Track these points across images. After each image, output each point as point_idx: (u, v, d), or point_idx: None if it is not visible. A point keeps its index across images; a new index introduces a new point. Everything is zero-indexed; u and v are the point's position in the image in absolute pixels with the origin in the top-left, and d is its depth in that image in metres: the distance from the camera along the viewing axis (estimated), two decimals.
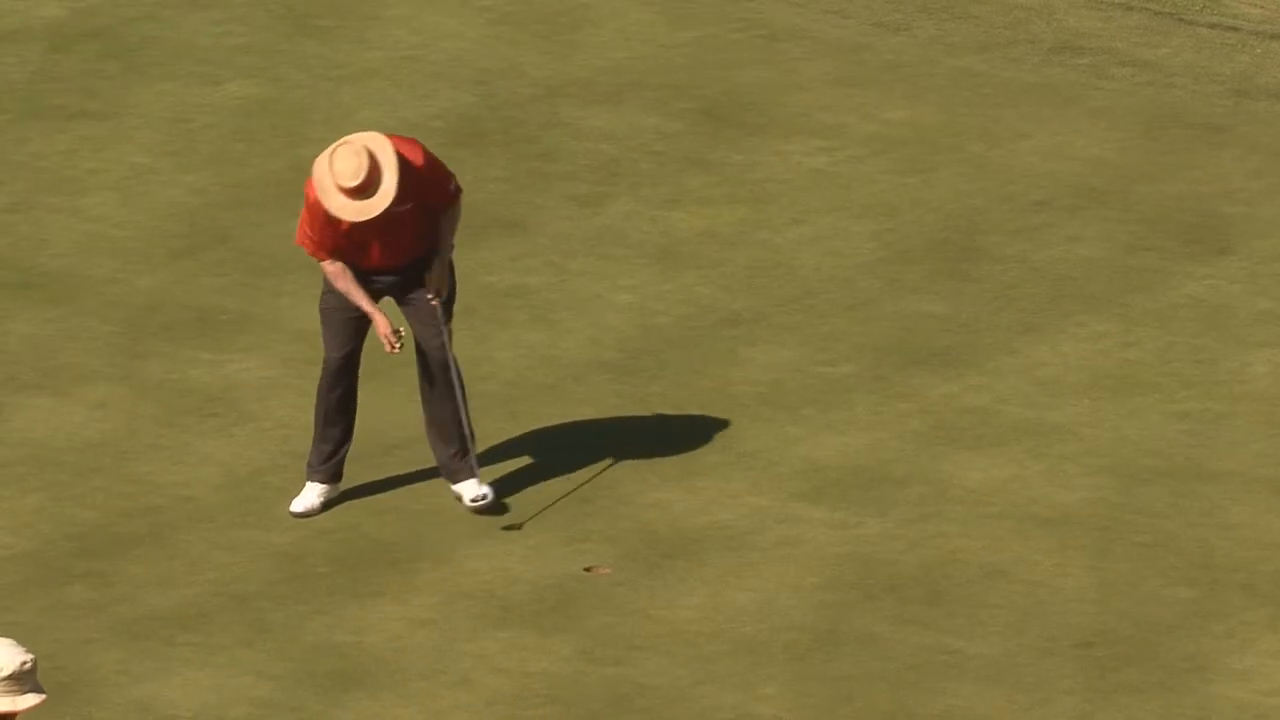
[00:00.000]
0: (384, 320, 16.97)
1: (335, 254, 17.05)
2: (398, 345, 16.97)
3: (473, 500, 17.11)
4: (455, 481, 17.28)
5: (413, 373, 17.65)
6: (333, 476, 17.35)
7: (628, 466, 17.26)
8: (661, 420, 17.78)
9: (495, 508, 17.04)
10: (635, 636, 15.59)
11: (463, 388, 17.21)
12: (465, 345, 18.17)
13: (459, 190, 17.12)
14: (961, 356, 18.29)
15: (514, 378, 18.42)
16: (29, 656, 12.29)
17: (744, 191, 20.38)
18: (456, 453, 17.27)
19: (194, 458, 17.33)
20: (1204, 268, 19.28)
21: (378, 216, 16.73)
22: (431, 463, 17.33)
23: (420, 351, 17.29)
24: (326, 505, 17.26)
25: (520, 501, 17.11)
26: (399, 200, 16.76)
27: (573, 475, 17.16)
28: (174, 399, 17.90)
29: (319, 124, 20.89)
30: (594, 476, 17.13)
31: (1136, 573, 16.29)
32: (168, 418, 17.71)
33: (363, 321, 17.12)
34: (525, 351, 18.70)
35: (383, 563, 16.35)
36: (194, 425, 17.75)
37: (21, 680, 12.29)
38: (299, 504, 17.17)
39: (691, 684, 15.20)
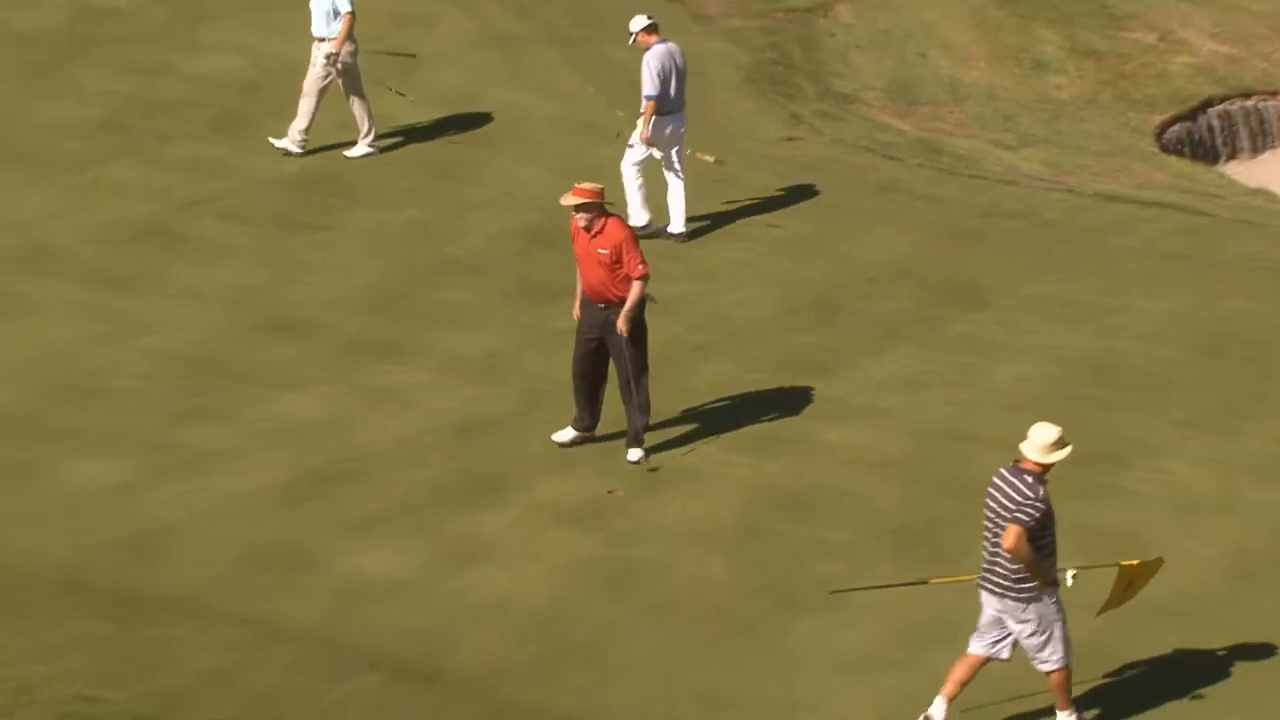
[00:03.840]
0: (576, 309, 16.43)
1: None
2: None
3: (631, 460, 16.65)
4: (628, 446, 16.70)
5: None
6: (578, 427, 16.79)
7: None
8: (658, 401, 17.06)
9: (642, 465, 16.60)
10: (636, 532, 15.66)
11: (636, 389, 16.50)
12: None
13: (644, 274, 16.13)
14: (827, 369, 18.08)
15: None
16: (1059, 430, 12.73)
17: (701, 273, 20.03)
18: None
19: (380, 429, 17.20)
20: (968, 317, 18.94)
21: (586, 249, 16.05)
22: (510, 427, 17.16)
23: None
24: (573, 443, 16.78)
25: (581, 452, 16.85)
26: (595, 235, 15.99)
27: (604, 437, 16.90)
28: (368, 394, 17.74)
29: (456, 233, 20.45)
30: (611, 437, 16.87)
31: (928, 491, 16.26)
32: (365, 404, 17.61)
33: (588, 337, 16.42)
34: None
35: (491, 488, 16.22)
36: (379, 409, 17.58)
37: (1059, 444, 12.72)
38: (560, 436, 16.80)
39: (670, 561, 15.25)
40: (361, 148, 22.05)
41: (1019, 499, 12.58)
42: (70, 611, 14.70)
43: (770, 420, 17.22)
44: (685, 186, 20.37)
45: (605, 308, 16.26)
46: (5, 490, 16.20)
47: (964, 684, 13.07)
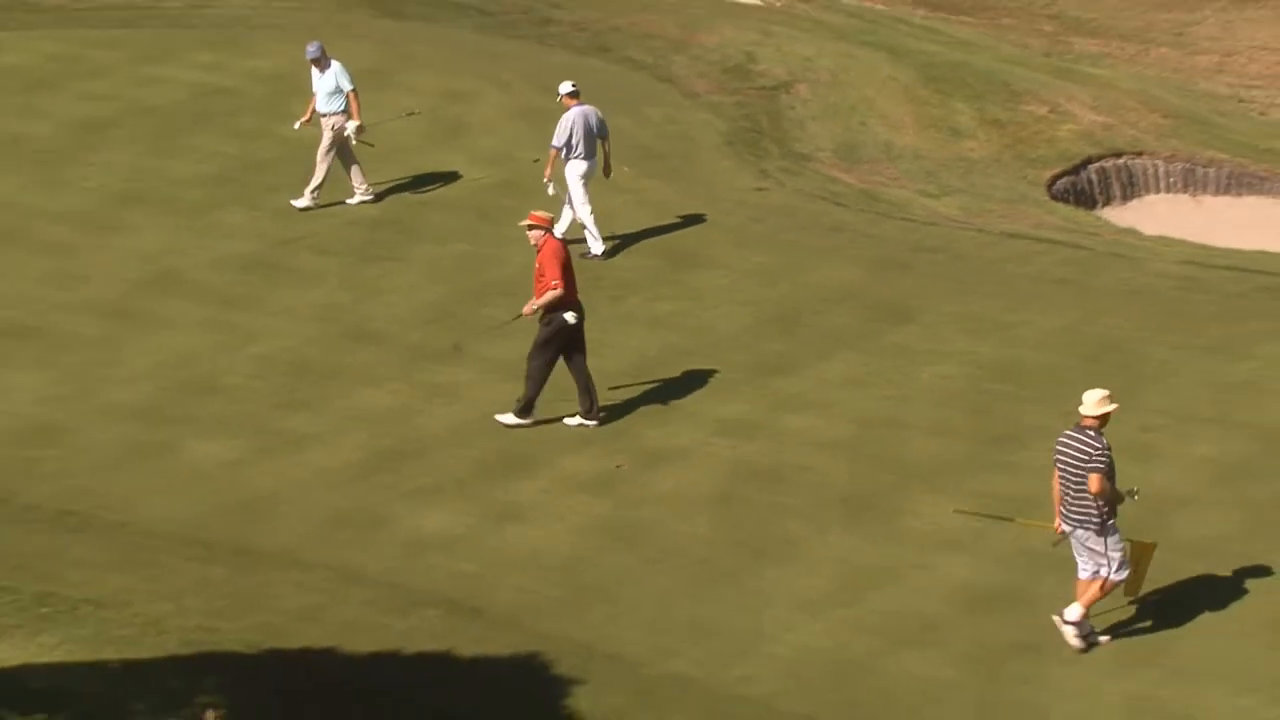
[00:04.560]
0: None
1: None
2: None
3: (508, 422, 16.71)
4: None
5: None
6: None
7: (639, 416, 17.08)
8: (656, 396, 17.41)
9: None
10: (639, 499, 15.64)
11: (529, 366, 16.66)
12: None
13: (556, 287, 16.41)
14: (789, 370, 17.89)
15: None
16: (1105, 391, 12.66)
17: (689, 295, 19.74)
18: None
19: (436, 417, 17.12)
20: (899, 329, 18.75)
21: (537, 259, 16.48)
22: (538, 414, 16.90)
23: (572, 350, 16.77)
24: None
25: (595, 434, 16.82)
26: (537, 251, 16.43)
27: (613, 423, 16.88)
28: (426, 390, 17.59)
29: (494, 263, 20.17)
30: (621, 419, 16.94)
31: (869, 466, 16.11)
32: (424, 398, 17.40)
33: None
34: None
35: (523, 464, 16.18)
36: (436, 401, 17.46)
37: (1108, 400, 12.85)
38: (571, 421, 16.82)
39: (665, 520, 15.26)
40: (358, 198, 21.62)
41: (1091, 452, 12.74)
42: (191, 561, 14.77)
43: (744, 410, 17.16)
44: (591, 213, 20.27)
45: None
46: (141, 465, 16.26)
47: (1093, 601, 13.14)
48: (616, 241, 20.68)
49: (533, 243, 16.71)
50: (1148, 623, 13.74)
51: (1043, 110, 26.96)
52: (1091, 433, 12.91)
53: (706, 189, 22.57)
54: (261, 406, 17.25)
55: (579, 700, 12.71)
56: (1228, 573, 14.11)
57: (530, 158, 21.42)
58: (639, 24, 28.72)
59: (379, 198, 21.94)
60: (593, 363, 17.23)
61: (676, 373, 17.92)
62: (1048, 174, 25.34)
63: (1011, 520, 13.97)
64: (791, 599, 14.13)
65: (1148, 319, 18.75)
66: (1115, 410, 13.09)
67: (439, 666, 13.24)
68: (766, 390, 17.49)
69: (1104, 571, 13.10)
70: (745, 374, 17.84)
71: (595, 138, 20.18)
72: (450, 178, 22.51)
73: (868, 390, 17.47)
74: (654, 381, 17.71)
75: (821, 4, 32.52)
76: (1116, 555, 13.05)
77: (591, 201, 20.34)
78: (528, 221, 16.77)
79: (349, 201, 21.60)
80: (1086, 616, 13.19)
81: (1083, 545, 13.06)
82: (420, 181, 22.30)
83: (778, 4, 31.65)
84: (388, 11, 28.81)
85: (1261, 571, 14.11)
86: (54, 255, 20.06)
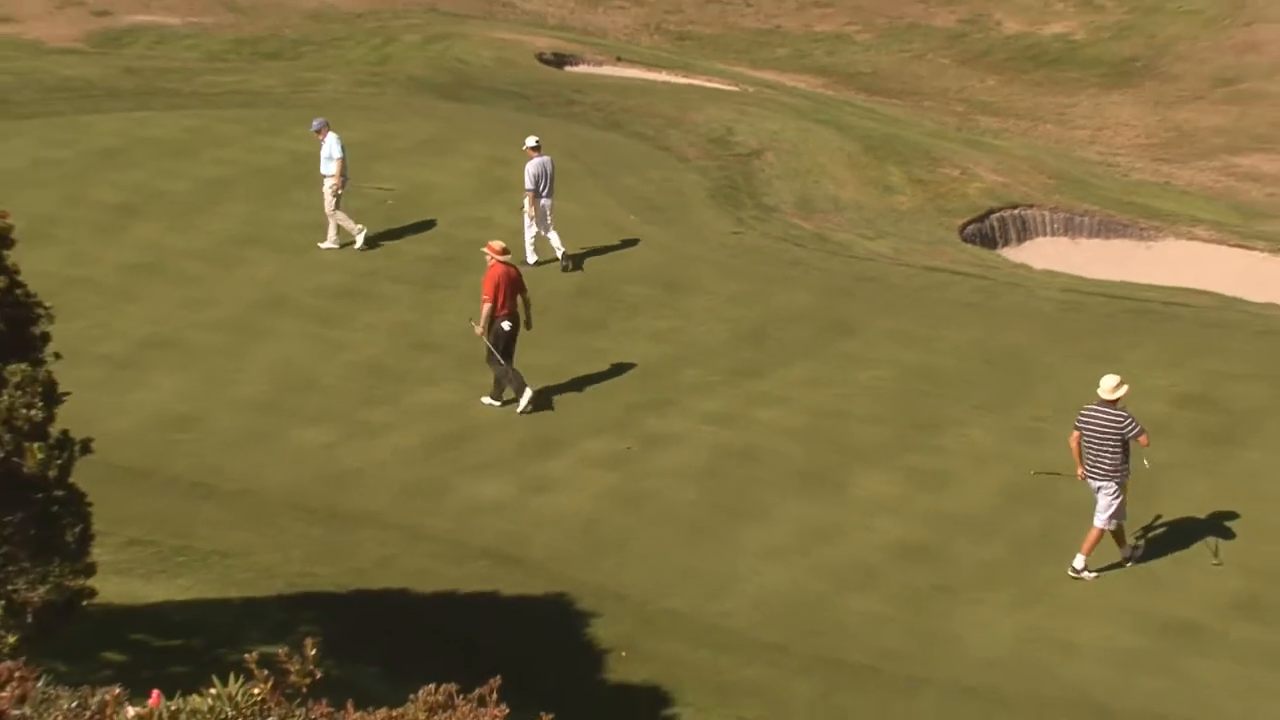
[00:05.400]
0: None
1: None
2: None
3: (521, 410, 16.38)
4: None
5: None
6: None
7: (643, 409, 16.75)
8: (656, 394, 17.07)
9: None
10: (643, 473, 15.44)
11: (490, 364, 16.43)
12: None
13: (485, 301, 16.24)
14: (759, 374, 17.57)
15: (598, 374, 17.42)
16: (1118, 377, 12.92)
17: (680, 315, 19.15)
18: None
19: (485, 410, 16.67)
20: (844, 342, 18.38)
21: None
22: (564, 408, 16.60)
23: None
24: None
25: (608, 423, 16.38)
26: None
27: (622, 414, 16.63)
28: (477, 388, 17.02)
29: (529, 289, 20.23)
30: (629, 411, 16.65)
31: (822, 449, 15.80)
32: (475, 394, 16.93)
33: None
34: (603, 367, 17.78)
35: (554, 446, 15.94)
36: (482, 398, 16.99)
37: (1120, 385, 12.96)
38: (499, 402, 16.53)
39: (664, 490, 15.10)
40: (330, 245, 20.79)
41: (1124, 420, 13.01)
42: (296, 521, 14.80)
43: (724, 405, 17.03)
44: (557, 234, 20.20)
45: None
46: (257, 446, 16.13)
47: (1095, 546, 13.31)
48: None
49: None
50: (1040, 570, 13.79)
51: (955, 172, 26.92)
52: (1118, 408, 13.18)
53: (695, 233, 22.40)
54: (349, 401, 17.10)
55: (595, 629, 12.81)
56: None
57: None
58: (643, 106, 28.73)
59: (444, 238, 21.61)
60: (603, 374, 17.24)
61: (672, 375, 17.82)
62: (959, 221, 25.27)
63: (1058, 474, 14.23)
64: (760, 551, 14.13)
65: (1037, 333, 18.70)
66: (1128, 392, 13.27)
67: (487, 604, 13.25)
68: (741, 389, 17.38)
69: (1099, 521, 13.23)
70: (724, 376, 17.72)
71: (553, 180, 20.13)
72: (494, 224, 22.22)
73: (819, 389, 17.40)
74: (655, 382, 17.59)
75: (784, 90, 32.57)
76: (1117, 505, 13.22)
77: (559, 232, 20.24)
78: (484, 249, 16.72)
79: (322, 245, 20.84)
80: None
81: (1102, 496, 13.18)
82: (472, 226, 22.08)
83: (750, 90, 31.70)
84: (448, 96, 28.74)
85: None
86: (188, 284, 19.97)
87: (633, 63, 33.54)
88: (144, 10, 32.12)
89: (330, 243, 20.97)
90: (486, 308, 16.44)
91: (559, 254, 20.37)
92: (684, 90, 31.23)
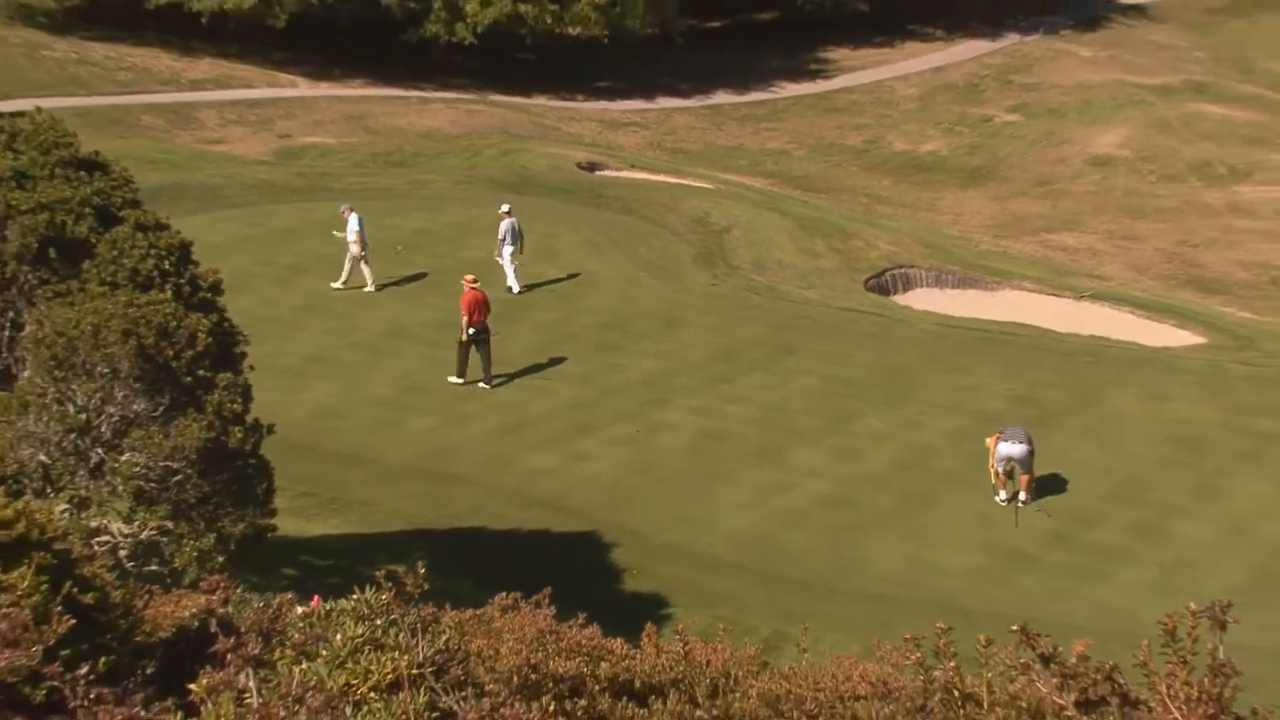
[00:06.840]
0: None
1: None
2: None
3: (450, 380, 15.96)
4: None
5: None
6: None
7: (648, 405, 16.20)
8: (657, 394, 16.57)
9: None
10: (649, 449, 15.13)
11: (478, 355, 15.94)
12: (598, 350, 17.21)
13: (463, 317, 15.90)
14: (729, 381, 17.07)
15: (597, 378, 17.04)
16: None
17: (674, 340, 18.52)
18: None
19: (538, 406, 16.17)
20: (786, 360, 17.79)
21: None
22: (591, 405, 16.16)
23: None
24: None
25: (624, 414, 15.93)
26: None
27: (632, 408, 16.02)
28: (529, 391, 16.65)
29: (570, 323, 18.86)
30: (639, 406, 16.04)
31: (773, 433, 15.41)
32: (527, 395, 16.58)
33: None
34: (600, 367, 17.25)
35: (586, 430, 15.49)
36: (536, 397, 16.53)
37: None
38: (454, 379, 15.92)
39: (661, 461, 14.91)
40: (341, 286, 19.79)
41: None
42: (411, 481, 14.60)
43: (704, 402, 16.62)
44: (515, 270, 19.48)
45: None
46: (385, 431, 15.67)
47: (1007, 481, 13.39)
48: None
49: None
50: (920, 514, 13.65)
51: (861, 244, 26.72)
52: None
53: (684, 285, 22.00)
54: (446, 399, 16.65)
55: (615, 556, 12.78)
56: (963, 488, 14.18)
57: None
58: (649, 198, 28.56)
59: (527, 288, 20.22)
60: (620, 380, 16.70)
61: (668, 382, 17.33)
62: (864, 277, 24.96)
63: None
64: (731, 504, 14.01)
65: (916, 354, 18.35)
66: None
67: (542, 538, 13.11)
68: (716, 391, 16.99)
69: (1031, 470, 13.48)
70: (704, 382, 17.30)
71: (520, 236, 19.75)
72: (543, 280, 22.03)
73: (770, 391, 17.02)
74: (657, 386, 17.13)
75: (745, 187, 32.51)
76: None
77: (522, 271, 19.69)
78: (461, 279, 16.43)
79: (335, 285, 19.83)
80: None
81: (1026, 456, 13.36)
82: (527, 277, 21.93)
83: (722, 187, 31.70)
84: (515, 191, 28.32)
85: (980, 486, 14.14)
86: (338, 319, 19.60)
87: (642, 168, 33.57)
88: (312, 134, 32.20)
89: (339, 284, 19.85)
90: (464, 320, 16.21)
91: (510, 288, 19.48)
92: (676, 188, 31.05)
